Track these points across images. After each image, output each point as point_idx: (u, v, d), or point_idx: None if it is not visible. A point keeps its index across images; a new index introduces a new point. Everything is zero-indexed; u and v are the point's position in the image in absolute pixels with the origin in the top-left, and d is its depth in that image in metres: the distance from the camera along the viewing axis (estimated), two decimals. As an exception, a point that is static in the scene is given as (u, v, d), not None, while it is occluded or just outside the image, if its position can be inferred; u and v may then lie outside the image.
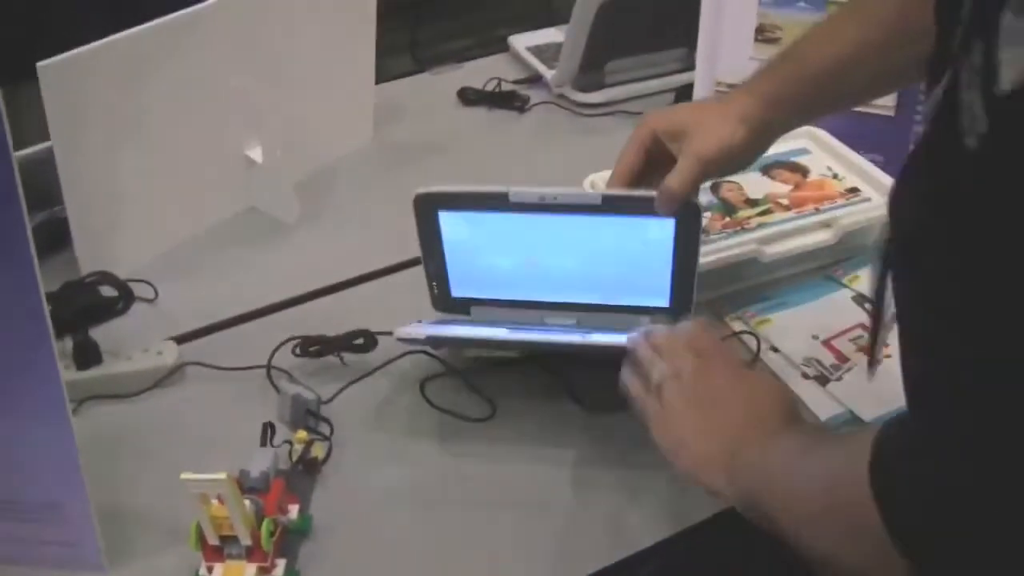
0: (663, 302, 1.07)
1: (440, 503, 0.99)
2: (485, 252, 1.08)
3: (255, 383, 1.10)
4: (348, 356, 1.11)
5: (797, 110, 1.04)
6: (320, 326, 1.14)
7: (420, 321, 1.06)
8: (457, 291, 1.10)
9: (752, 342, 1.12)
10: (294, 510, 0.94)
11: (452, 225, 1.06)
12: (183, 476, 0.82)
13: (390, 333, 1.06)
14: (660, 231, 1.03)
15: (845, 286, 1.22)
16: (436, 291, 1.10)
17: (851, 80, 1.01)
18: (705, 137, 0.98)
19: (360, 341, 1.09)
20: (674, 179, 0.98)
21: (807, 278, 1.22)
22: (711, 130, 0.99)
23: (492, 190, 1.02)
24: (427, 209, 1.05)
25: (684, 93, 1.51)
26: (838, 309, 1.19)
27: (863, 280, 1.22)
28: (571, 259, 1.07)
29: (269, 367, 1.09)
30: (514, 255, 1.07)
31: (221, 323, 1.19)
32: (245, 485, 0.92)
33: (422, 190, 1.04)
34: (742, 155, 1.02)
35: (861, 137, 1.33)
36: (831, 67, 0.99)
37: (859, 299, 1.20)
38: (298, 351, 1.10)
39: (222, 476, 0.82)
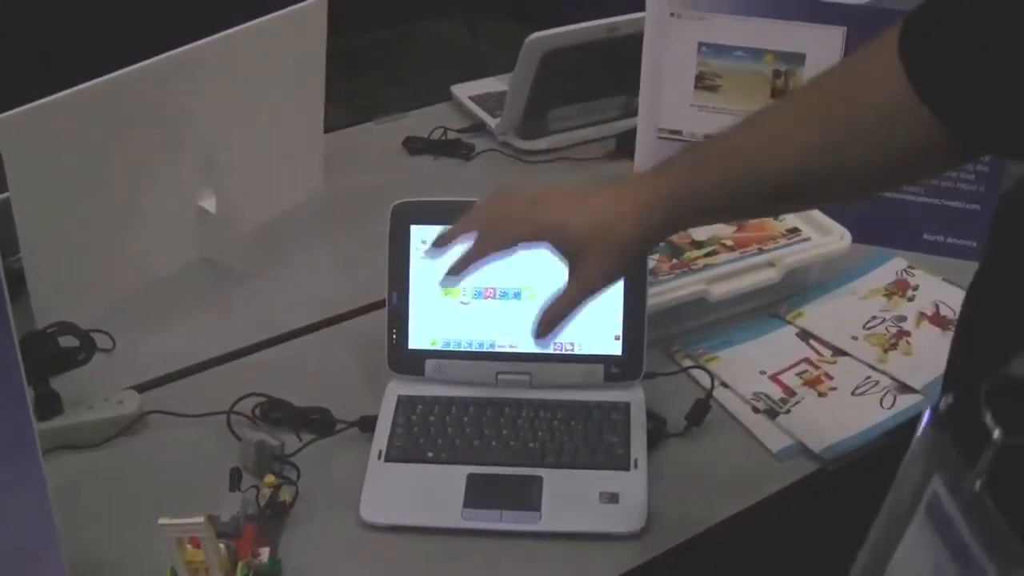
0: (615, 349, 1.11)
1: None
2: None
3: (218, 430, 1.11)
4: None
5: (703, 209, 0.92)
6: (282, 373, 1.17)
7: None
8: (415, 339, 1.12)
9: (704, 378, 1.16)
10: (265, 554, 0.95)
11: (421, 242, 1.10)
12: (161, 521, 0.84)
13: (348, 423, 1.11)
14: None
15: (789, 323, 1.26)
16: (394, 340, 1.12)
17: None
18: (601, 256, 0.92)
19: (316, 417, 1.11)
20: (562, 305, 0.94)
21: (752, 316, 1.27)
22: (608, 247, 0.91)
23: (463, 200, 1.04)
24: (400, 223, 1.11)
25: (626, 138, 1.56)
26: (783, 345, 1.23)
27: (806, 316, 1.26)
28: (529, 278, 1.11)
29: (229, 415, 1.10)
30: (476, 276, 1.09)
31: (181, 371, 1.20)
32: (216, 530, 0.93)
33: (399, 201, 1.10)
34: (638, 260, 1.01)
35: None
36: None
37: (803, 335, 1.25)
38: (258, 412, 1.12)
39: (200, 519, 0.83)
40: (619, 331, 1.11)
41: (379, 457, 1.06)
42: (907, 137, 0.79)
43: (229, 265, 1.36)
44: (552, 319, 0.94)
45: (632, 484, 1.03)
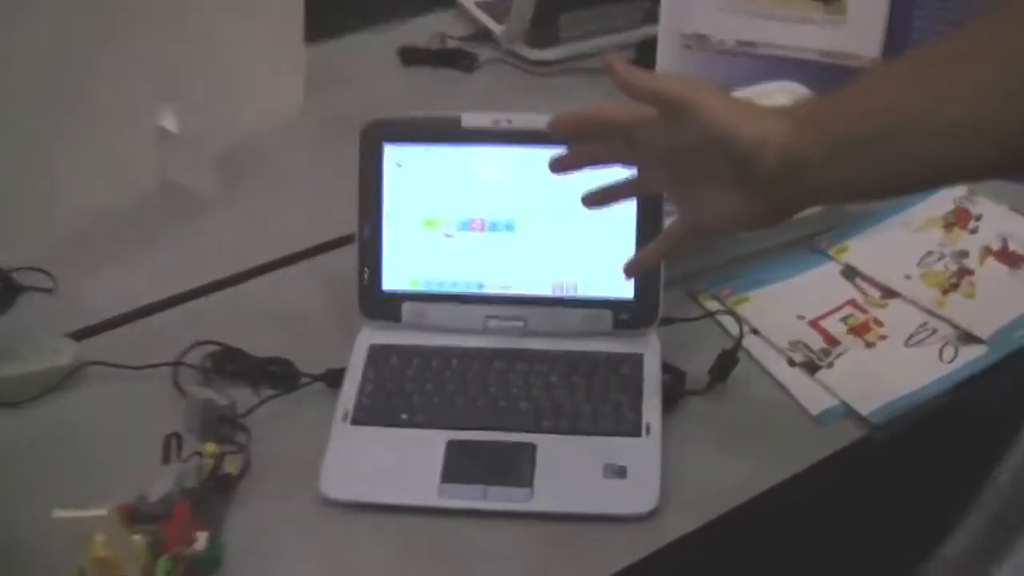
0: (626, 291, 0.94)
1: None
2: (429, 204, 0.97)
3: (164, 384, 0.96)
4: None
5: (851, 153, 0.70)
6: (241, 317, 1.03)
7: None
8: (390, 279, 0.96)
9: (731, 324, 0.99)
10: (202, 538, 0.80)
11: (397, 166, 0.96)
12: (56, 513, 0.68)
13: (313, 376, 0.95)
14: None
15: (832, 258, 1.09)
16: (366, 280, 0.96)
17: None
18: (715, 207, 0.76)
19: (276, 370, 0.96)
20: (654, 251, 0.84)
21: (789, 250, 1.10)
22: (721, 200, 0.75)
23: (443, 115, 0.94)
24: (372, 142, 0.96)
25: (647, 47, 1.37)
26: (825, 285, 1.06)
27: (852, 251, 1.09)
28: (524, 208, 0.96)
29: (176, 368, 0.95)
30: (461, 205, 0.96)
31: (129, 315, 1.05)
32: (143, 512, 0.78)
33: (370, 118, 0.96)
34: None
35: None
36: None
37: (847, 273, 1.07)
38: (210, 363, 0.96)
39: (102, 512, 0.68)
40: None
41: (344, 419, 0.91)
42: None
43: (192, 191, 1.19)
44: (651, 259, 0.85)
45: (643, 455, 0.87)
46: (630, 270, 0.89)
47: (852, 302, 1.04)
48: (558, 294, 0.96)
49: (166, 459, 0.86)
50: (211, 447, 0.86)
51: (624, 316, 0.95)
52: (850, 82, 0.72)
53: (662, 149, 0.77)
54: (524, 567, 0.82)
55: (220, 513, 0.84)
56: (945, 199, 1.15)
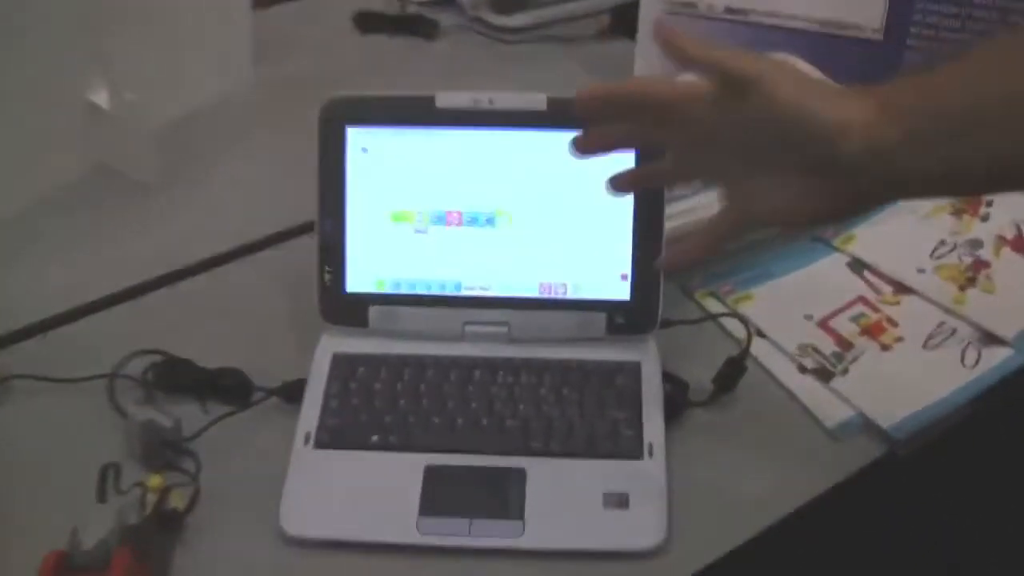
0: (622, 292, 0.85)
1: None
2: (398, 195, 0.86)
3: (101, 401, 0.85)
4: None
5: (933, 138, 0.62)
6: (185, 320, 0.92)
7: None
8: (355, 280, 0.86)
9: (734, 326, 0.89)
10: (146, 589, 0.69)
11: (362, 151, 0.85)
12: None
13: (268, 390, 0.85)
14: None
15: (837, 250, 1.00)
16: (328, 281, 0.85)
17: None
18: (774, 196, 0.67)
19: (227, 383, 0.85)
20: (695, 247, 0.75)
21: (790, 240, 1.00)
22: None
23: (415, 94, 0.84)
24: (333, 125, 0.85)
25: (624, 11, 1.27)
26: (831, 279, 0.97)
27: (858, 241, 1.00)
28: (507, 200, 0.85)
29: (112, 381, 0.84)
30: (435, 196, 0.86)
31: (56, 319, 0.94)
32: (76, 562, 0.67)
33: (331, 96, 0.85)
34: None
35: (840, 64, 1.10)
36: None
37: (855, 265, 0.98)
38: (151, 376, 0.85)
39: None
40: (627, 268, 0.85)
41: (306, 442, 0.80)
42: None
43: (128, 175, 1.08)
44: (691, 255, 0.75)
45: (646, 480, 0.77)
46: (661, 267, 0.82)
47: (862, 299, 0.95)
48: (545, 295, 0.86)
49: (102, 494, 0.75)
50: (155, 480, 0.75)
51: (619, 320, 0.85)
52: (931, 65, 0.63)
53: (712, 130, 0.67)
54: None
55: (166, 557, 0.73)
56: (953, 183, 1.06)
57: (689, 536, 0.75)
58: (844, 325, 0.92)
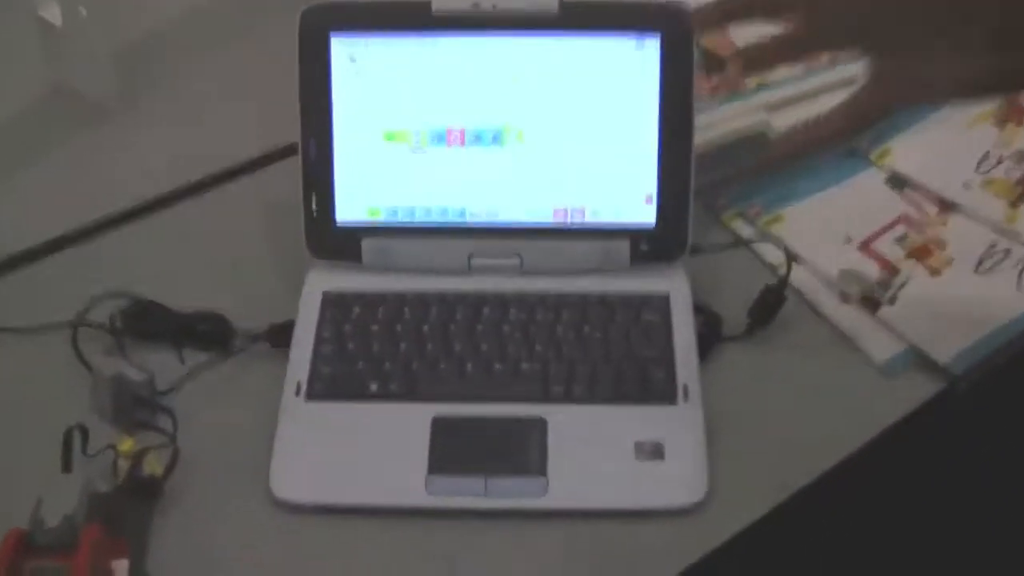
0: (647, 216, 0.76)
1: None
2: (392, 111, 0.77)
3: (64, 352, 0.76)
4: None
5: None
6: (157, 259, 0.84)
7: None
8: (345, 209, 0.77)
9: (770, 253, 0.81)
10: (121, 569, 0.61)
11: (349, 61, 0.76)
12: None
13: (252, 335, 0.76)
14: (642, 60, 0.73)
15: (873, 164, 0.91)
16: (314, 210, 0.76)
17: None
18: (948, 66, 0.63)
19: (206, 328, 0.76)
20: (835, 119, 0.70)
21: (822, 155, 0.91)
22: None
23: None
24: (316, 33, 0.76)
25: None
26: (870, 197, 0.89)
27: (896, 155, 0.91)
28: (515, 114, 0.76)
29: (76, 329, 0.74)
30: (434, 112, 0.76)
31: (12, 260, 0.85)
32: (39, 542, 0.59)
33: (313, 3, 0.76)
34: None
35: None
36: None
37: (894, 182, 0.89)
38: (121, 323, 0.76)
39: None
40: (652, 189, 0.76)
41: (297, 393, 0.71)
42: None
43: (83, 102, 0.98)
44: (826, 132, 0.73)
45: (682, 427, 0.69)
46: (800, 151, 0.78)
47: (905, 218, 0.86)
48: (561, 222, 0.77)
49: (66, 462, 0.66)
50: (127, 442, 0.66)
51: (644, 247, 0.76)
52: None
53: None
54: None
55: (143, 530, 0.65)
56: (993, 90, 0.97)
57: (731, 490, 0.68)
58: (888, 248, 0.84)
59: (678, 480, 0.67)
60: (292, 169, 0.78)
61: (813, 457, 0.70)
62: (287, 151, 0.86)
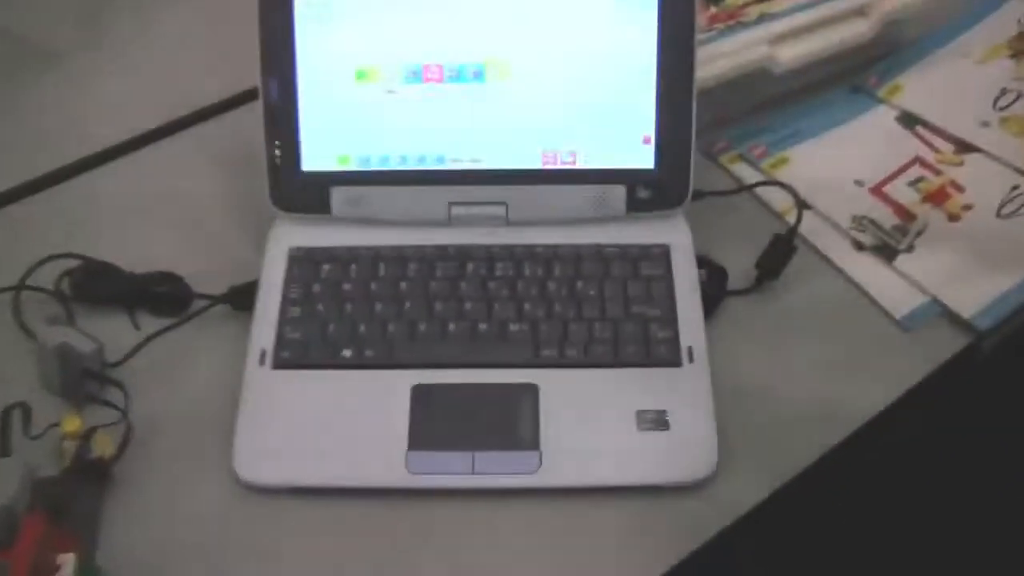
0: (645, 159, 0.69)
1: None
2: (362, 47, 0.69)
3: (3, 320, 0.69)
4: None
5: None
6: (106, 215, 0.77)
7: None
8: (312, 156, 0.69)
9: (776, 198, 0.74)
10: (68, 563, 0.54)
11: None
12: None
13: (212, 297, 0.70)
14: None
15: (883, 101, 0.85)
16: (278, 158, 0.69)
17: None
18: None
19: (161, 291, 0.69)
20: None
21: (826, 90, 0.85)
22: None
23: None
24: None
25: None
26: (880, 137, 0.83)
27: (906, 91, 0.84)
28: (500, 49, 0.69)
29: (18, 294, 0.67)
30: (409, 47, 0.69)
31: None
32: (-29, 536, 0.52)
33: None
34: None
35: None
36: None
37: (905, 120, 0.83)
38: (68, 287, 0.69)
39: None
40: (650, 129, 0.69)
41: (262, 362, 0.65)
42: None
43: (34, 44, 0.91)
44: None
45: (688, 393, 0.63)
46: None
47: (919, 160, 0.80)
48: (550, 166, 0.70)
49: (5, 444, 0.59)
50: (73, 421, 0.59)
51: (642, 193, 0.70)
52: None
53: None
54: (533, 571, 0.58)
55: (92, 519, 0.58)
56: (1007, 21, 0.91)
57: (743, 461, 0.61)
58: (903, 192, 0.78)
59: (684, 453, 0.61)
60: (253, 115, 0.71)
61: (832, 422, 0.64)
62: (247, 96, 0.79)
